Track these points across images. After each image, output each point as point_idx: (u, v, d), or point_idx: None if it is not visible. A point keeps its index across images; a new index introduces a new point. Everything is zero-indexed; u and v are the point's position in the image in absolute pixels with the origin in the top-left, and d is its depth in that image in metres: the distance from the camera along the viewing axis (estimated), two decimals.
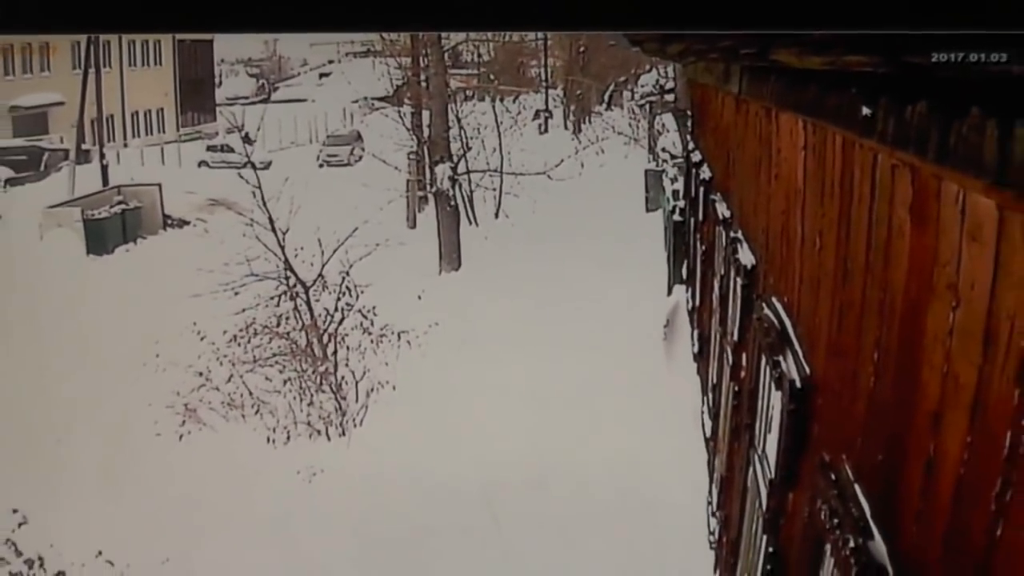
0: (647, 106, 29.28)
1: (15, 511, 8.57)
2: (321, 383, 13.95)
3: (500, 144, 27.24)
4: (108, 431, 12.24)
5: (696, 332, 11.41)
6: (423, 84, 24.18)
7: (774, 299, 4.24)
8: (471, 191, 25.53)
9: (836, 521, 2.22)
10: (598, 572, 7.43)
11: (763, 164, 4.59)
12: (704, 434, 9.34)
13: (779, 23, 1.60)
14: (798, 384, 3.76)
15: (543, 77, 42.46)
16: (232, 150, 28.32)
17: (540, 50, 42.96)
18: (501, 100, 30.76)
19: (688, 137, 13.15)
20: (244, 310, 14.65)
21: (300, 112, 39.95)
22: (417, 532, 8.60)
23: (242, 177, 17.63)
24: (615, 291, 16.38)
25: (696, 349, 11.20)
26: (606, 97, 39.44)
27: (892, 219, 2.16)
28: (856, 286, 2.56)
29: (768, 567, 3.80)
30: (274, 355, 14.48)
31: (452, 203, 21.14)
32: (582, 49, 38.70)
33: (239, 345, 14.53)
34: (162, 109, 40.78)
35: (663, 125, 22.74)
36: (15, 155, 28.42)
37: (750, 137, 5.21)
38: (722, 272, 7.68)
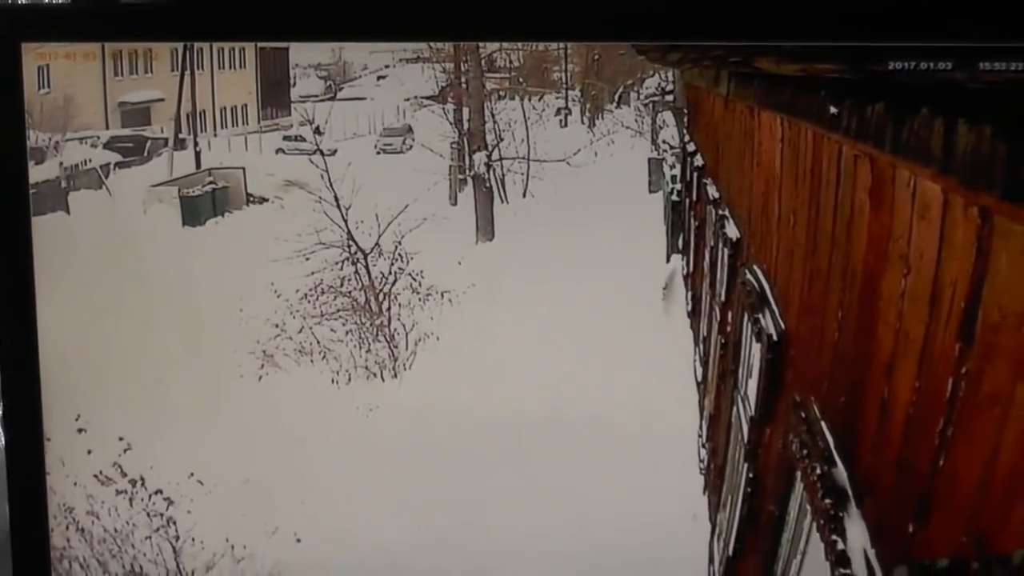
0: (650, 105, 29.00)
1: (121, 439, 8.58)
2: (377, 334, 13.92)
3: (527, 136, 27.07)
4: (199, 373, 12.22)
5: (690, 293, 11.36)
6: (463, 85, 24.04)
7: (755, 266, 4.23)
8: (503, 175, 25.35)
9: (805, 452, 2.22)
10: (607, 491, 7.41)
11: (747, 154, 4.57)
12: (696, 378, 9.31)
13: (761, 36, 1.62)
14: (775, 337, 3.76)
15: (564, 80, 42.15)
16: (304, 140, 28.16)
17: (561, 57, 42.69)
18: (529, 99, 30.63)
19: (684, 131, 13.06)
20: (313, 273, 14.66)
21: (361, 108, 39.57)
22: (456, 456, 8.58)
23: (312, 162, 17.61)
24: (622, 258, 16.29)
25: (689, 308, 11.15)
26: (616, 97, 39.04)
27: (854, 200, 2.16)
28: (823, 256, 2.56)
29: (748, 489, 3.79)
30: (338, 311, 14.47)
31: (487, 185, 21.01)
32: (597, 57, 38.35)
33: (309, 302, 14.55)
34: (246, 105, 40.40)
35: (664, 121, 22.52)
36: (123, 143, 28.17)
37: (736, 131, 5.20)
38: (712, 244, 7.65)
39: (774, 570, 2.13)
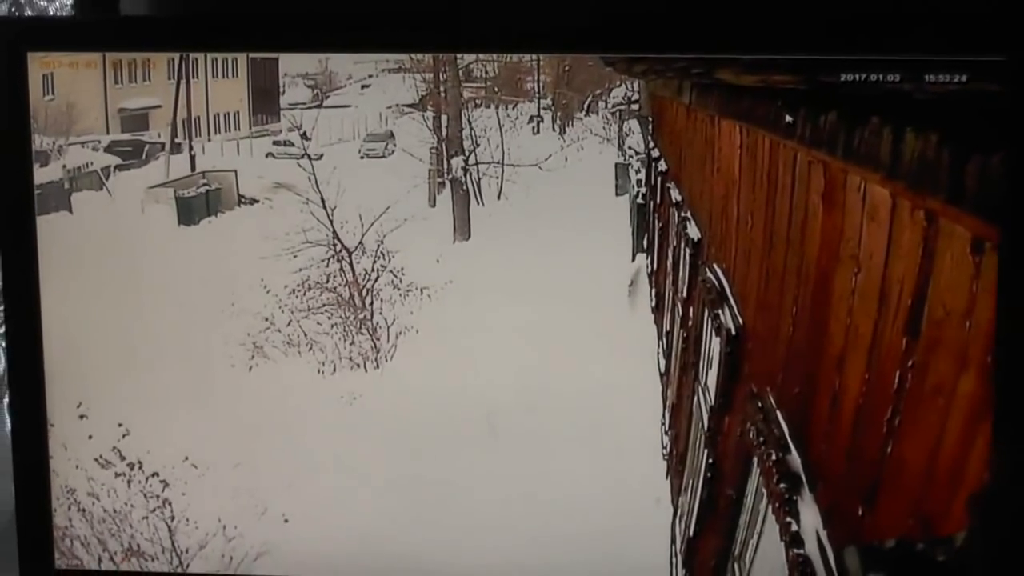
0: (617, 113, 29.06)
1: (120, 424, 8.53)
2: (360, 327, 13.93)
3: (502, 142, 27.08)
4: (193, 363, 12.14)
5: (653, 290, 11.36)
6: (442, 94, 24.05)
7: (715, 265, 4.24)
8: (479, 178, 25.35)
9: (762, 439, 2.22)
10: (576, 475, 7.40)
11: (707, 160, 4.58)
12: (659, 370, 9.32)
13: (722, 49, 1.63)
14: (733, 332, 3.75)
15: (536, 89, 42.15)
16: (292, 144, 28.12)
17: (534, 68, 42.69)
18: (504, 107, 30.67)
19: (649, 137, 13.07)
20: (301, 269, 14.64)
21: (346, 115, 39.51)
22: (434, 443, 8.55)
23: (300, 166, 17.59)
24: (591, 256, 16.28)
25: (653, 303, 11.15)
26: (585, 106, 39.11)
27: (808, 203, 2.16)
28: (779, 256, 2.56)
29: (708, 475, 3.79)
30: (324, 305, 14.44)
31: (464, 187, 21.02)
32: (567, 68, 38.36)
33: (296, 297, 14.53)
34: (238, 112, 40.28)
35: (630, 128, 22.57)
36: (122, 147, 28.04)
37: (698, 138, 5.20)
38: (674, 244, 7.65)
39: (732, 550, 2.14)
